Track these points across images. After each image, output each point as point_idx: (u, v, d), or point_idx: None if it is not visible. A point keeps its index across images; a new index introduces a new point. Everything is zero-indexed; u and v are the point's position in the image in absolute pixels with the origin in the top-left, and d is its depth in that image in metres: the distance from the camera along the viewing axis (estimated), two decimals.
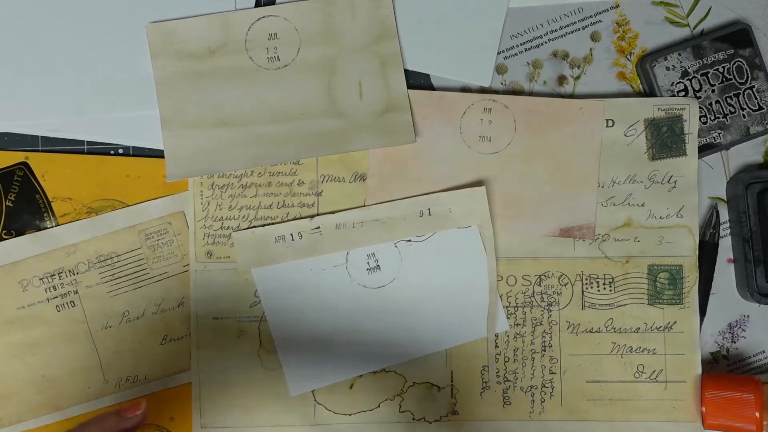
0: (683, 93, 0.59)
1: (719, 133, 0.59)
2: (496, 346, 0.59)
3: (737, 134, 0.59)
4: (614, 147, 0.59)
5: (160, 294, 0.58)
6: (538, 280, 0.59)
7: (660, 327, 0.59)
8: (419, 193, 0.58)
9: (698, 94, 0.59)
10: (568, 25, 0.59)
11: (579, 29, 0.60)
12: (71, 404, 0.57)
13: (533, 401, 0.59)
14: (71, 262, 0.57)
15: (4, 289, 0.57)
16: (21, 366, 0.57)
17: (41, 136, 0.58)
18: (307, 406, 0.58)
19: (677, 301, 0.59)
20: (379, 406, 0.58)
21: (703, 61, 0.59)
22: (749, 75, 0.59)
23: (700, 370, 0.59)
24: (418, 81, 0.59)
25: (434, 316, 0.58)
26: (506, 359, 0.59)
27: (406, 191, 0.58)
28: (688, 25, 0.60)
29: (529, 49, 0.59)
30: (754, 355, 0.60)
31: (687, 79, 0.59)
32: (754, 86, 0.59)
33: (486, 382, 0.59)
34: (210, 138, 0.57)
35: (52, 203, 0.58)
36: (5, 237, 0.57)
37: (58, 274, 0.57)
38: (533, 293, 0.59)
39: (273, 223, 0.58)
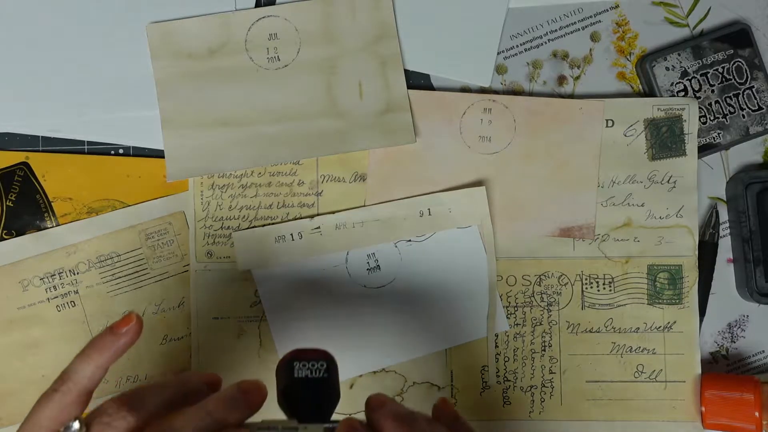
0: (683, 93, 0.59)
1: (719, 133, 0.59)
2: (496, 346, 0.59)
3: (737, 134, 0.59)
4: (614, 147, 0.59)
5: (160, 294, 0.58)
6: (538, 280, 0.59)
7: (660, 327, 0.59)
8: (419, 193, 0.58)
9: (698, 95, 0.59)
10: (567, 26, 0.60)
11: (579, 29, 0.60)
12: None
13: (533, 401, 0.59)
14: (71, 262, 0.57)
15: (5, 289, 0.57)
16: (21, 366, 0.57)
17: (41, 136, 0.58)
18: None
19: (677, 301, 0.59)
20: None
21: (702, 62, 0.59)
22: (749, 75, 0.59)
23: (699, 370, 0.59)
24: (418, 81, 0.59)
25: (434, 316, 0.58)
26: (506, 359, 0.59)
27: (406, 191, 0.58)
28: (687, 25, 0.60)
29: (529, 49, 0.59)
30: (753, 355, 0.60)
31: (686, 80, 0.59)
32: (753, 86, 0.59)
33: (486, 382, 0.59)
34: (210, 138, 0.57)
35: (52, 203, 0.58)
36: (5, 237, 0.57)
37: (59, 274, 0.57)
38: (533, 293, 0.59)
39: (273, 223, 0.58)
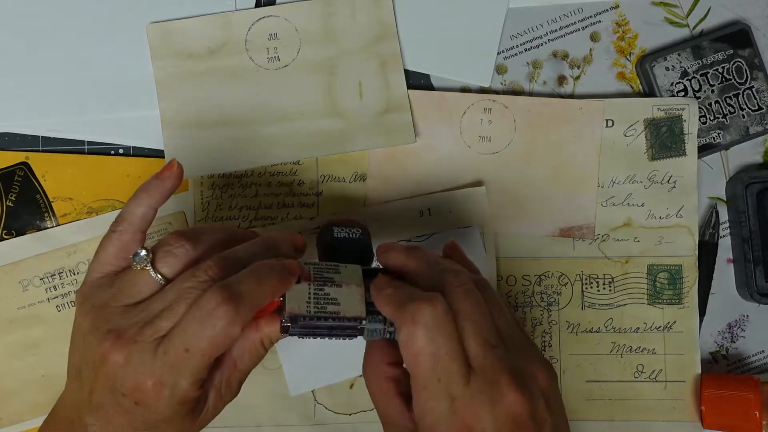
0: (683, 93, 0.59)
1: (719, 133, 0.59)
2: None
3: (737, 134, 0.59)
4: (614, 147, 0.59)
5: None
6: (538, 280, 0.59)
7: (659, 327, 0.59)
8: (419, 193, 0.58)
9: (698, 95, 0.59)
10: (567, 26, 0.60)
11: (579, 29, 0.60)
12: None
13: None
14: (72, 261, 0.57)
15: (5, 289, 0.57)
16: (21, 366, 0.57)
17: (41, 136, 0.58)
18: (307, 405, 0.58)
19: (677, 301, 0.59)
20: None
21: (702, 62, 0.59)
22: (749, 75, 0.59)
23: (699, 370, 0.59)
24: (418, 81, 0.59)
25: None
26: None
27: (406, 191, 0.58)
28: (687, 25, 0.60)
29: (529, 49, 0.59)
30: (753, 355, 0.60)
31: (686, 80, 0.59)
32: (753, 86, 0.59)
33: None
34: (210, 138, 0.57)
35: (52, 203, 0.58)
36: (5, 237, 0.57)
37: (59, 273, 0.57)
38: (533, 293, 0.59)
39: (273, 224, 0.58)
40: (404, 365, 0.41)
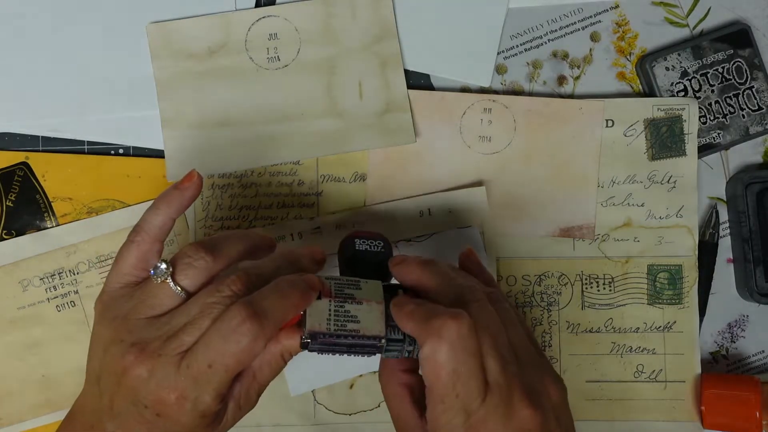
0: (683, 93, 0.59)
1: (719, 133, 0.59)
2: None
3: (737, 134, 0.59)
4: (614, 147, 0.59)
5: None
6: (538, 280, 0.59)
7: (659, 327, 0.59)
8: (419, 193, 0.58)
9: (698, 95, 0.59)
10: (567, 26, 0.60)
11: (579, 29, 0.60)
12: (71, 404, 0.57)
13: None
14: (71, 262, 0.57)
15: (5, 289, 0.57)
16: (21, 366, 0.57)
17: (41, 136, 0.58)
18: (307, 406, 0.58)
19: (677, 301, 0.59)
20: (379, 406, 0.58)
21: (702, 62, 0.59)
22: (749, 75, 0.59)
23: (699, 370, 0.59)
24: (418, 81, 0.59)
25: None
26: None
27: (406, 191, 0.58)
28: (687, 25, 0.60)
29: (529, 49, 0.59)
30: (753, 355, 0.60)
31: (686, 80, 0.59)
32: (753, 86, 0.59)
33: None
34: (210, 138, 0.57)
35: (52, 203, 0.58)
36: (5, 237, 0.57)
37: (59, 274, 0.57)
38: (533, 293, 0.59)
39: (273, 224, 0.58)
40: (422, 375, 0.41)
